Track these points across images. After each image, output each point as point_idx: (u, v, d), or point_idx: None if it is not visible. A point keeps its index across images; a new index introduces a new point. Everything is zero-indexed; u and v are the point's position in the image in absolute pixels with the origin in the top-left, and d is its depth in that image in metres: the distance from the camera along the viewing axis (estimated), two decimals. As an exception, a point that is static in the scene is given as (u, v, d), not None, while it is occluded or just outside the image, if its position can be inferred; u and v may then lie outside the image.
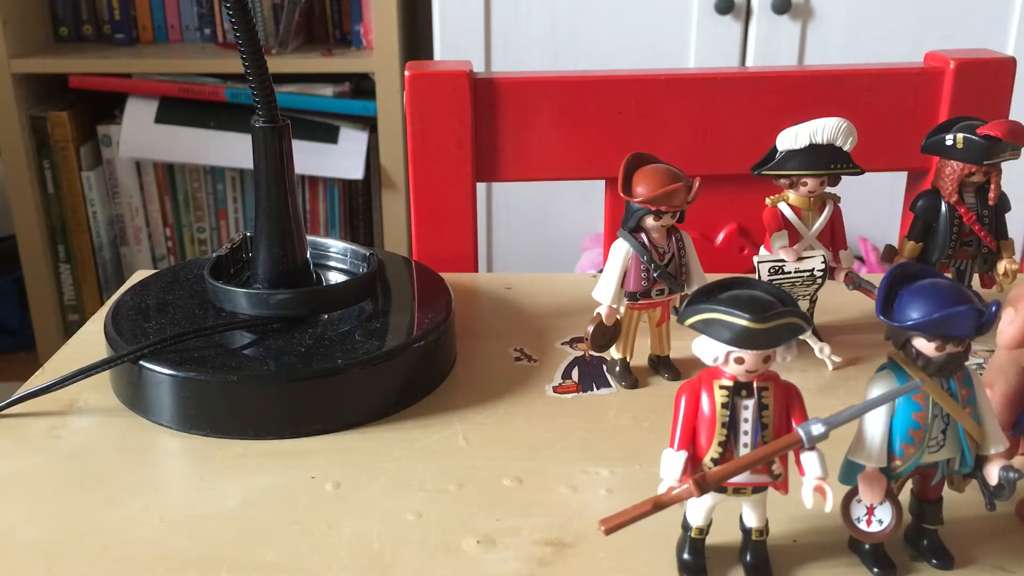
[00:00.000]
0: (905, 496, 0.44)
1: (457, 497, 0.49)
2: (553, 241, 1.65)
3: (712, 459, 0.40)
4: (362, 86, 1.77)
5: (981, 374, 0.46)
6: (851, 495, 0.43)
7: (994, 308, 0.39)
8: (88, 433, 0.55)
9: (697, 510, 0.43)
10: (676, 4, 1.52)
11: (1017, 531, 0.46)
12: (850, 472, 0.42)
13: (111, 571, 0.44)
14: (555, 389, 0.60)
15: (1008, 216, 0.65)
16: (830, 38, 1.52)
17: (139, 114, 1.76)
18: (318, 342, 0.57)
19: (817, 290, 0.63)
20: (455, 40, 1.55)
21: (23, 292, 1.89)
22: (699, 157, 0.84)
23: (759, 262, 0.61)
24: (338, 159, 1.75)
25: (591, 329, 0.59)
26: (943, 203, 0.63)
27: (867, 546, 0.43)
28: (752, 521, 0.43)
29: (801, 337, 0.40)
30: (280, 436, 0.54)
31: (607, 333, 0.59)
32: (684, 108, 0.84)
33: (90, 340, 0.64)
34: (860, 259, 1.49)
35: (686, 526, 0.43)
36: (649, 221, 0.57)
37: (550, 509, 0.48)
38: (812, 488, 0.39)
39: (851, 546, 0.44)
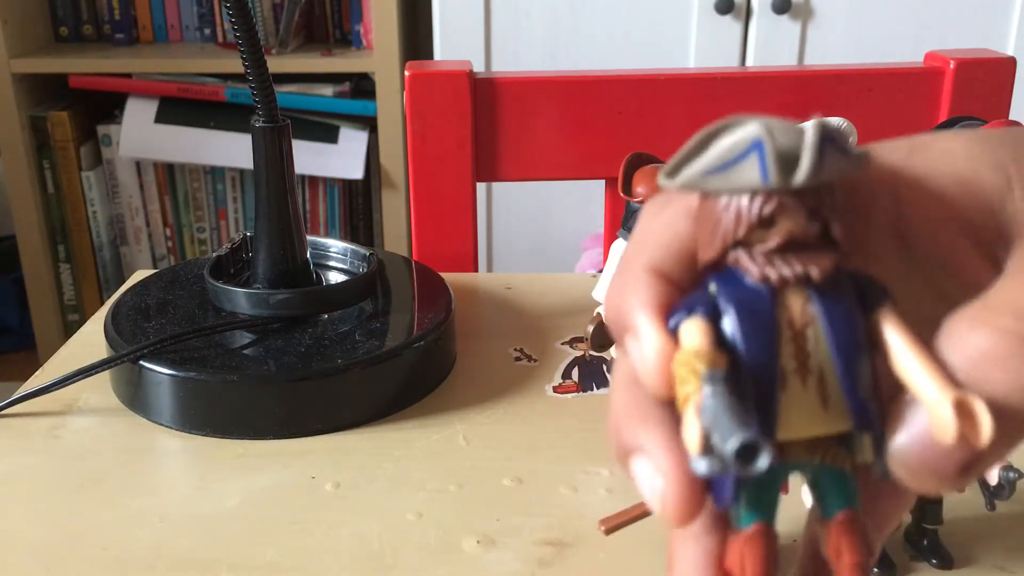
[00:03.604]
0: (905, 496, 0.44)
1: (457, 497, 0.49)
2: (553, 241, 1.65)
3: (712, 459, 0.40)
4: (362, 86, 1.77)
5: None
6: (851, 495, 0.43)
7: None
8: (88, 433, 0.55)
9: (697, 510, 0.43)
10: (676, 4, 1.52)
11: (1017, 531, 0.46)
12: (850, 472, 0.42)
13: (111, 571, 0.44)
14: (555, 389, 0.60)
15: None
16: (830, 38, 1.52)
17: (139, 114, 1.76)
18: (318, 342, 0.57)
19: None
20: (455, 40, 1.55)
21: (23, 292, 1.89)
22: (699, 157, 0.84)
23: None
24: (338, 159, 1.75)
25: (591, 329, 0.59)
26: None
27: (867, 546, 0.43)
28: (752, 521, 0.43)
29: None
30: (280, 436, 0.54)
31: (607, 333, 0.59)
32: (684, 108, 0.84)
33: (90, 340, 0.64)
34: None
35: (686, 526, 0.43)
36: (649, 221, 0.57)
37: (550, 509, 0.48)
38: (812, 488, 0.39)
39: (851, 546, 0.44)
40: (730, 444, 0.21)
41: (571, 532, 0.46)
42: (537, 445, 0.54)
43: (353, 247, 0.67)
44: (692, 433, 0.22)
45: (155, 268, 1.15)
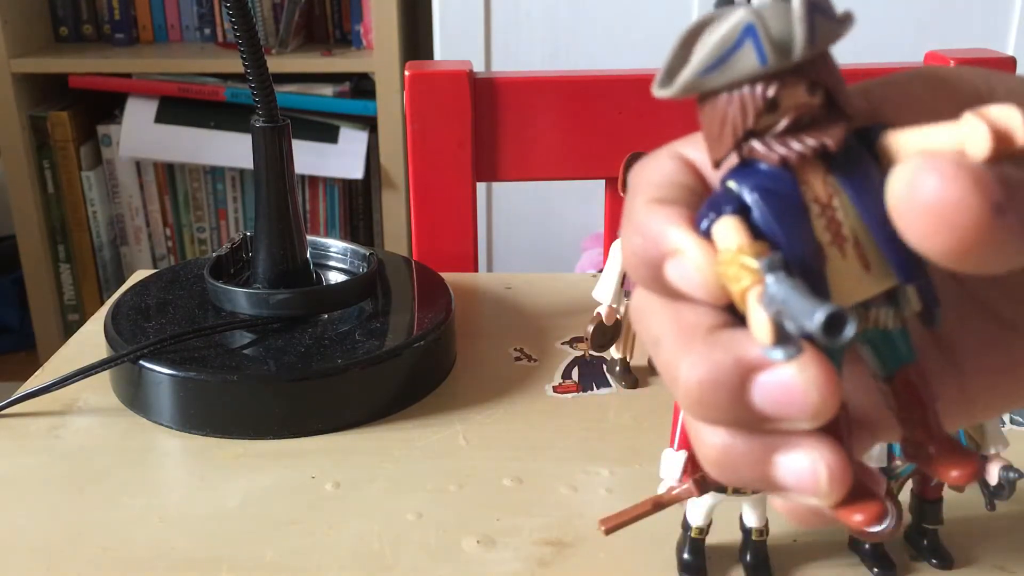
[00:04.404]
0: (905, 496, 0.44)
1: (457, 497, 0.49)
2: (553, 241, 1.65)
3: (712, 459, 0.40)
4: (362, 86, 1.77)
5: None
6: (851, 495, 0.43)
7: None
8: (88, 433, 0.55)
9: (697, 510, 0.43)
10: (676, 4, 1.52)
11: (1017, 531, 0.46)
12: (850, 472, 0.42)
13: (111, 571, 0.44)
14: (555, 389, 0.60)
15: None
16: (830, 38, 1.52)
17: (139, 114, 1.76)
18: (318, 342, 0.57)
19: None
20: (455, 40, 1.55)
21: (23, 292, 1.89)
22: (699, 157, 0.84)
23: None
24: (338, 159, 1.75)
25: (591, 329, 0.59)
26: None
27: (867, 546, 0.43)
28: (752, 521, 0.43)
29: None
30: (280, 436, 0.54)
31: (607, 333, 0.59)
32: (684, 108, 0.84)
33: (90, 340, 0.64)
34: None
35: (686, 526, 0.43)
36: (649, 221, 0.57)
37: (550, 509, 0.48)
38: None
39: (851, 546, 0.44)
40: (816, 319, 0.21)
41: (571, 532, 0.46)
42: (537, 445, 0.54)
43: (353, 247, 0.67)
44: (761, 324, 0.22)
45: (155, 268, 1.15)
